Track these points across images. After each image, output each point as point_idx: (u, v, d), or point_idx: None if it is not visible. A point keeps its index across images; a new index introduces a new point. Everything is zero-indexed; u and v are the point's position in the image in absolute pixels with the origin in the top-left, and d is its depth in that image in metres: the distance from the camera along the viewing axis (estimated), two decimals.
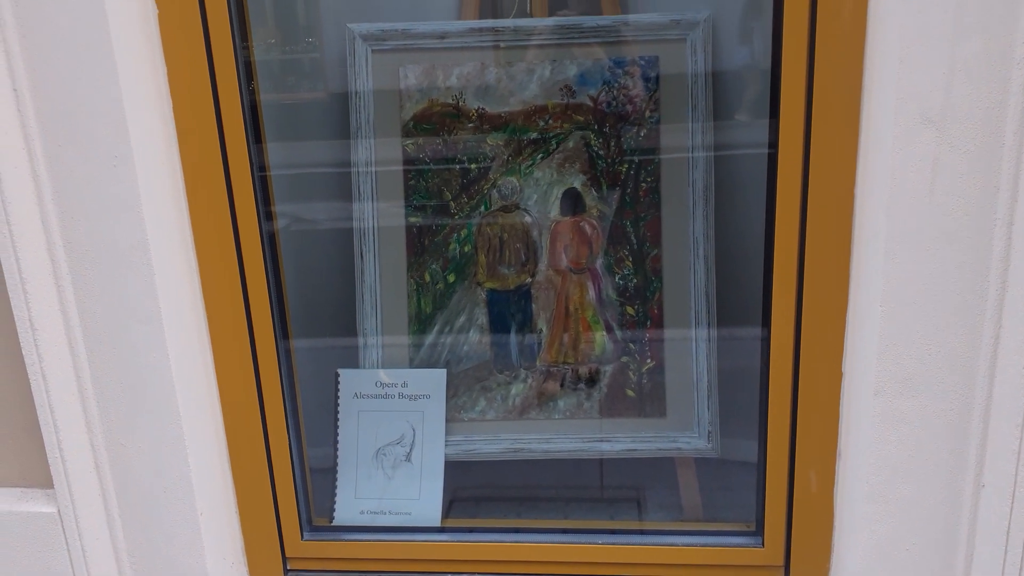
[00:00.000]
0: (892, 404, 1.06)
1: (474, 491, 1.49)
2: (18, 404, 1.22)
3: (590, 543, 1.31)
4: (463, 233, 1.40)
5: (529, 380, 1.42)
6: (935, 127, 0.95)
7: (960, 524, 1.09)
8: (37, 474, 1.25)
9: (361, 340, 1.41)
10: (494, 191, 1.39)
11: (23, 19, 1.03)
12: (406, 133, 1.38)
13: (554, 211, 1.39)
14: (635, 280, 1.39)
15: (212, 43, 1.13)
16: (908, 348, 1.03)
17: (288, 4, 1.45)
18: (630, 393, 1.41)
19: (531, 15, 1.38)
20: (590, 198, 1.38)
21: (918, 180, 0.97)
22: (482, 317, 1.42)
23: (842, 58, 1.04)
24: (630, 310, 1.40)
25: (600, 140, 1.36)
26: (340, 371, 1.41)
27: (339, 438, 1.42)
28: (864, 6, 1.01)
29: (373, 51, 1.36)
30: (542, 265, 1.40)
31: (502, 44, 1.36)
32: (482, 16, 1.40)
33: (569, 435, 1.41)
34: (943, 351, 1.03)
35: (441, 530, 1.38)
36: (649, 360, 1.41)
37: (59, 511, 1.23)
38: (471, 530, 1.37)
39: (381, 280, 1.41)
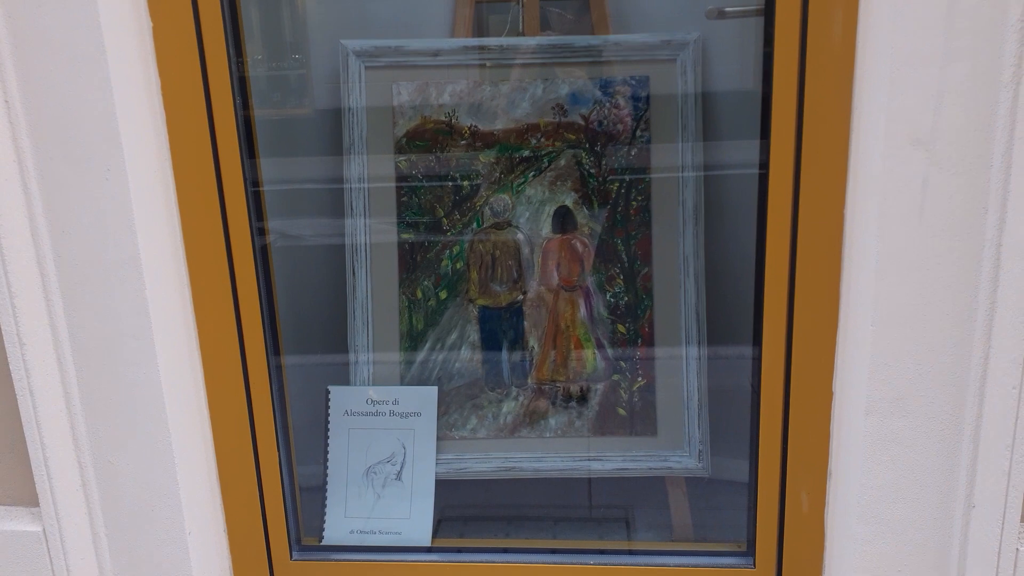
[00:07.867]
0: (883, 424, 1.06)
1: (463, 510, 1.48)
2: (4, 420, 1.20)
3: (580, 563, 1.30)
4: (455, 250, 1.40)
5: (520, 398, 1.42)
6: (924, 148, 0.96)
7: (951, 545, 1.09)
8: (22, 492, 1.24)
9: (352, 357, 1.41)
10: (486, 208, 1.39)
11: (16, 30, 1.02)
12: (399, 150, 1.38)
13: (545, 229, 1.39)
14: (626, 298, 1.39)
15: (206, 57, 1.13)
16: (899, 368, 1.04)
17: (282, 20, 1.46)
18: (621, 411, 1.41)
19: (523, 34, 1.39)
20: (581, 216, 1.38)
21: (908, 200, 0.98)
22: (473, 334, 1.42)
23: (832, 79, 1.05)
24: (621, 328, 1.40)
25: (591, 159, 1.37)
26: (330, 388, 1.40)
27: (329, 456, 1.41)
28: (854, 29, 1.02)
29: (366, 67, 1.36)
30: (533, 282, 1.40)
31: (495, 62, 1.36)
32: (475, 35, 1.41)
33: (560, 454, 1.41)
34: (934, 371, 1.03)
35: (430, 550, 1.37)
36: (640, 378, 1.41)
37: (44, 530, 1.21)
38: (460, 550, 1.36)
39: (373, 296, 1.40)
